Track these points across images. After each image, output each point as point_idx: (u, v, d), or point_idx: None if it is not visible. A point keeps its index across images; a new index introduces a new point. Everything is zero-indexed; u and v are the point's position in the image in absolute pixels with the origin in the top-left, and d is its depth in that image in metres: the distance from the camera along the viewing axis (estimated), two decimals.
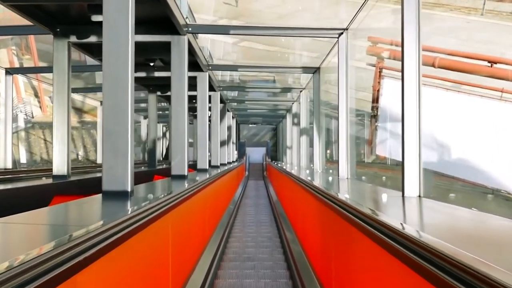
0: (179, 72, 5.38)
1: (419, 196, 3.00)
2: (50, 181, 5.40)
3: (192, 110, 10.44)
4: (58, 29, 5.42)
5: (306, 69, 7.85)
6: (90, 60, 8.15)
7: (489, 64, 12.13)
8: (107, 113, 3.03)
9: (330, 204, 3.15)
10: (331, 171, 8.03)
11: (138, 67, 7.84)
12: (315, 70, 7.76)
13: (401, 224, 1.96)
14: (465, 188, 9.94)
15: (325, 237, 3.39)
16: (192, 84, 8.38)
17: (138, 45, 6.70)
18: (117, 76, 3.05)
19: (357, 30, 5.52)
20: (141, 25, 5.47)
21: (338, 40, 5.51)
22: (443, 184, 9.87)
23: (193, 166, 8.75)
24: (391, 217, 2.20)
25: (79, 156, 21.65)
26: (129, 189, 3.00)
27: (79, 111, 23.25)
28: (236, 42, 14.72)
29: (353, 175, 5.45)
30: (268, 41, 14.52)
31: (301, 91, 10.47)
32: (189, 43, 5.73)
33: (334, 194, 2.92)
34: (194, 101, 8.16)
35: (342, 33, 5.43)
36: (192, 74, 7.69)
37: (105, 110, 3.03)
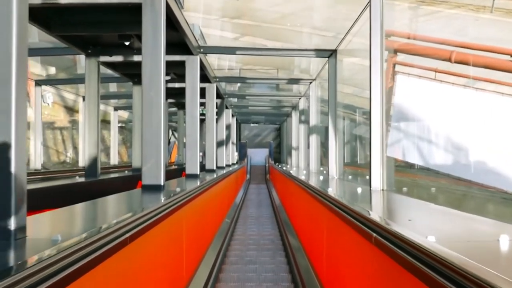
0: (153, 43, 3.93)
1: None
2: None
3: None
4: None
5: (319, 52, 6.39)
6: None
7: None
8: None
9: (390, 248, 1.71)
10: (350, 177, 6.58)
11: (111, 49, 6.40)
12: (331, 54, 6.32)
13: None
14: (483, 193, 8.62)
15: None
16: (181, 74, 6.96)
17: (101, 14, 5.28)
18: None
19: None
20: None
21: (370, 3, 4.06)
22: (459, 190, 8.61)
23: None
24: None
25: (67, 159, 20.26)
26: (12, 226, 1.56)
27: (71, 110, 21.90)
28: (237, 37, 13.36)
29: (391, 186, 4.00)
30: (272, 36, 13.19)
31: (310, 83, 9.02)
32: (168, 8, 4.29)
33: (420, 242, 1.46)
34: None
35: None
36: (178, 58, 6.27)
37: None
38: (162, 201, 3.12)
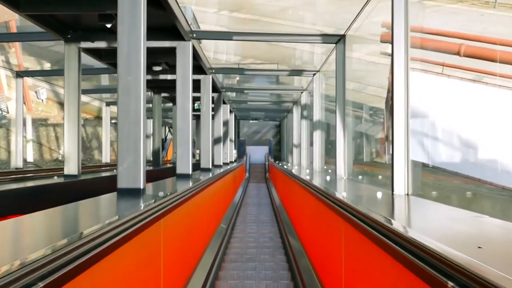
0: (131, 16, 3.24)
1: None
2: None
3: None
4: None
5: (326, 37, 5.72)
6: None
7: None
8: None
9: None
10: (360, 177, 5.92)
11: (93, 34, 5.72)
12: (339, 39, 5.64)
13: None
14: (493, 192, 8.06)
15: None
16: (175, 64, 6.30)
17: None
18: None
19: None
20: None
21: None
22: (469, 189, 8.02)
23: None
24: None
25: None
26: None
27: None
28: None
29: (417, 190, 3.34)
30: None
31: (314, 75, 8.34)
32: None
33: None
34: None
35: None
36: (168, 44, 5.61)
37: None
38: (141, 208, 2.48)
